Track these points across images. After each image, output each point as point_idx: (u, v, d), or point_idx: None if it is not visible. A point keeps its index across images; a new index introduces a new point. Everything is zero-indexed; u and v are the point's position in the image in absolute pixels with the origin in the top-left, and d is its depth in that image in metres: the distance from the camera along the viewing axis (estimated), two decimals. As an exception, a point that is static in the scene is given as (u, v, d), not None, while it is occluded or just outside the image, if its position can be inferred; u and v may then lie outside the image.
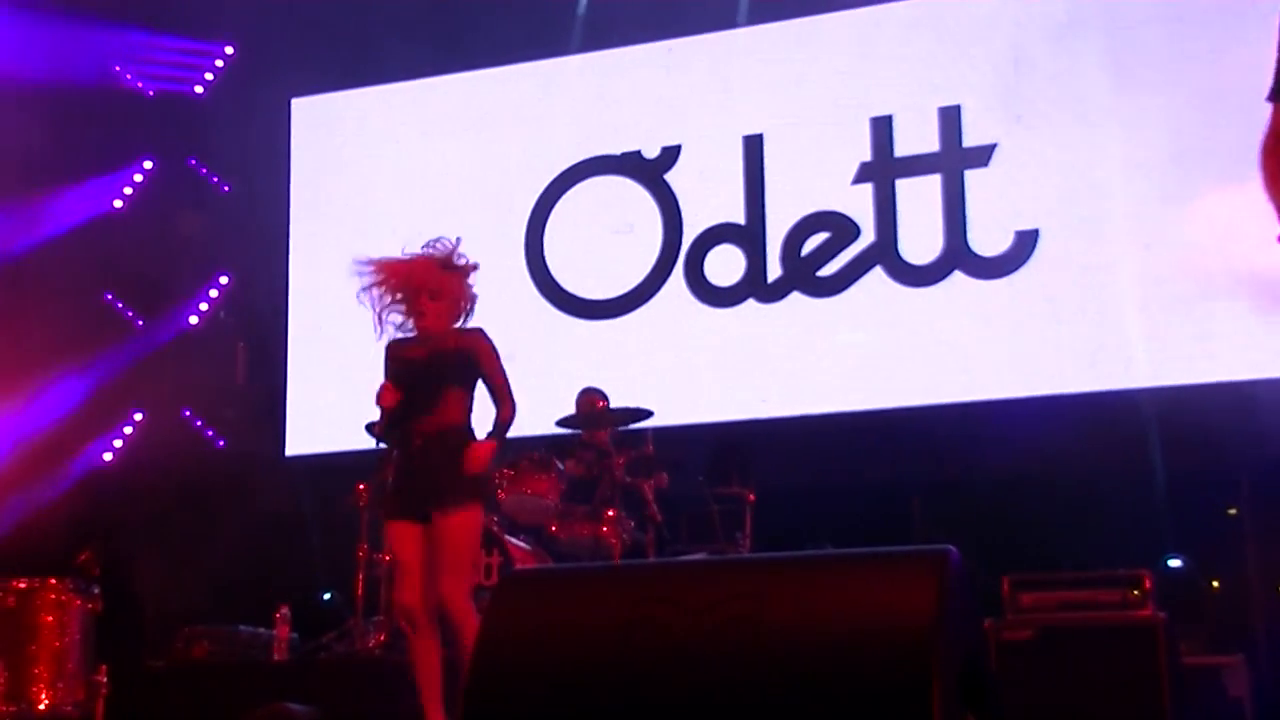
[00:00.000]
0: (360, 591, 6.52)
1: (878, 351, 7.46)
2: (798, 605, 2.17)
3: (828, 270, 7.64)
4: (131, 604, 7.64)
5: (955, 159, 7.47)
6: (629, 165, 8.14)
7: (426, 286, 4.73)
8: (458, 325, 4.86)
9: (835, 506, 7.04)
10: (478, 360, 4.79)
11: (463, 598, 4.59)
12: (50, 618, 5.55)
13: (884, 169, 7.61)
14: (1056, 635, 5.20)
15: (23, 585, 5.58)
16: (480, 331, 4.88)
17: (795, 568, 2.37)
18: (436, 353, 4.75)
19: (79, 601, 5.64)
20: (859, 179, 7.63)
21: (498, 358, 4.84)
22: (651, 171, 8.09)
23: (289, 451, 8.26)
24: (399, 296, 4.77)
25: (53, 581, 5.63)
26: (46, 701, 5.41)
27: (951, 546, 2.31)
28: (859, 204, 7.61)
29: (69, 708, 5.44)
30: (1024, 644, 5.16)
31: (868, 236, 7.58)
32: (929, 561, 2.21)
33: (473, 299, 4.91)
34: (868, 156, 7.63)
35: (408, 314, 4.79)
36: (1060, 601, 5.30)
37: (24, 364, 8.07)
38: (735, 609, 2.17)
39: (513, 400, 4.82)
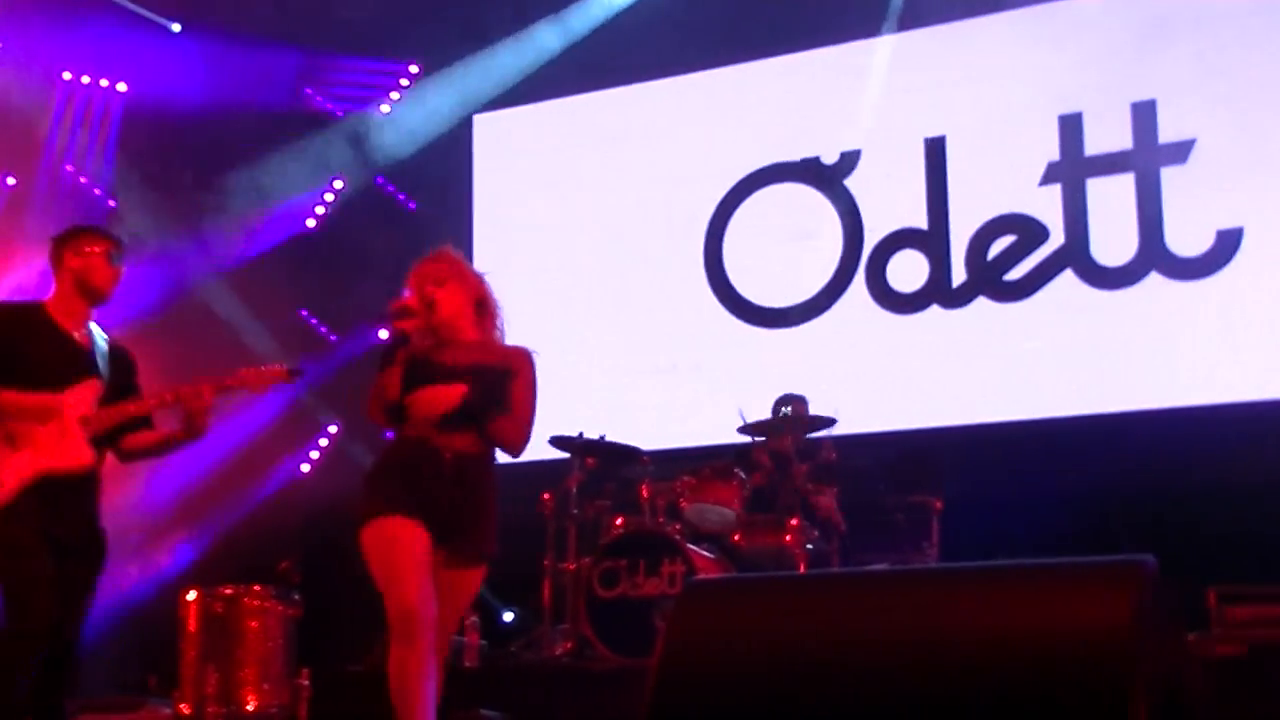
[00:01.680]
0: (547, 599, 6.60)
1: (1069, 357, 7.23)
2: (986, 618, 2.11)
3: (1015, 274, 7.45)
4: (330, 610, 7.89)
5: (1150, 156, 7.20)
6: (808, 171, 8.07)
7: (429, 277, 4.24)
8: (498, 338, 4.31)
9: (1026, 517, 6.82)
10: (514, 378, 4.18)
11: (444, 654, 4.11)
12: (255, 623, 5.75)
13: (1073, 168, 7.38)
14: (1270, 653, 4.93)
15: (229, 592, 5.80)
16: (528, 352, 4.29)
17: (984, 579, 2.30)
18: (481, 365, 4.17)
19: (281, 608, 5.84)
20: (1047, 179, 7.42)
21: (535, 386, 4.23)
22: (831, 177, 8.01)
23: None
24: (415, 309, 4.17)
25: (256, 588, 5.84)
26: (254, 703, 5.61)
27: (1149, 556, 2.21)
28: (1047, 205, 7.40)
29: (274, 709, 5.63)
30: (1233, 661, 4.92)
31: (1057, 239, 7.36)
32: (1125, 572, 2.12)
33: (490, 299, 4.31)
34: (1056, 156, 7.42)
35: (424, 316, 4.18)
36: (1274, 616, 5.03)
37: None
38: (922, 621, 2.12)
39: (525, 438, 4.22)
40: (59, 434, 4.30)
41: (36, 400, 4.32)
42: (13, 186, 8.79)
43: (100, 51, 8.80)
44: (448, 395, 4.06)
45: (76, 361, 4.45)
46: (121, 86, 9.01)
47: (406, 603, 3.91)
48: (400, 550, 4.00)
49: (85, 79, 8.94)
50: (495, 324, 4.32)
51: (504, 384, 4.17)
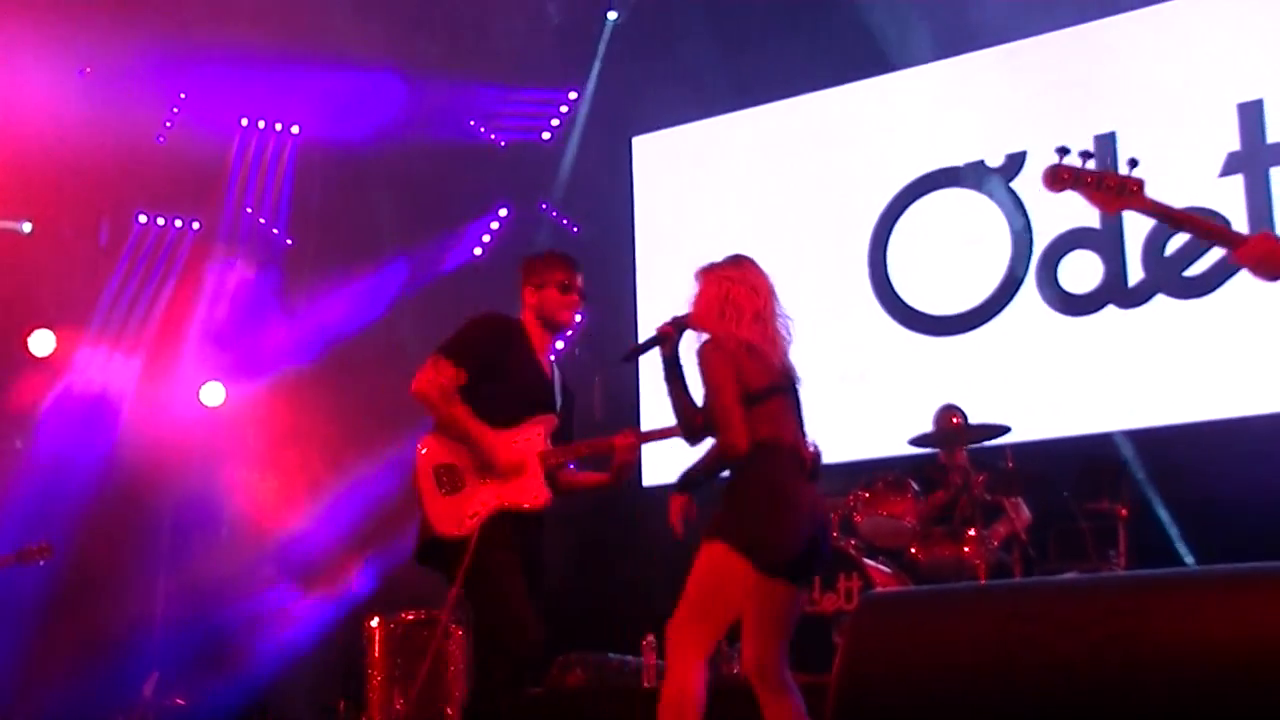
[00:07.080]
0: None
1: (1255, 353, 6.92)
2: (1185, 624, 2.02)
3: (1195, 270, 7.17)
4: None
5: (1338, 140, 6.87)
6: (973, 176, 7.92)
7: None
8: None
9: (1220, 520, 6.55)
10: None
11: None
12: (438, 646, 5.85)
13: (1255, 158, 7.08)
14: None
15: (410, 617, 5.92)
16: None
17: (1180, 585, 2.20)
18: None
19: (460, 632, 5.93)
20: (1227, 170, 7.13)
21: None
22: (996, 180, 7.84)
23: (645, 482, 8.42)
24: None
25: (436, 613, 5.94)
26: (439, 724, 5.70)
27: (1361, 558, 2.09)
28: (1228, 197, 7.10)
29: (459, 730, 5.71)
30: None
31: (1239, 231, 7.04)
32: (1335, 575, 2.01)
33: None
34: (1236, 146, 7.12)
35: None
36: None
37: (409, 409, 8.63)
38: (1116, 626, 2.04)
39: None
40: (522, 470, 4.42)
41: (502, 444, 4.42)
42: (198, 230, 9.19)
43: (274, 96, 9.15)
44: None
45: (541, 392, 4.59)
46: (295, 129, 9.34)
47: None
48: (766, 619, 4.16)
49: (261, 123, 9.30)
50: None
51: None
